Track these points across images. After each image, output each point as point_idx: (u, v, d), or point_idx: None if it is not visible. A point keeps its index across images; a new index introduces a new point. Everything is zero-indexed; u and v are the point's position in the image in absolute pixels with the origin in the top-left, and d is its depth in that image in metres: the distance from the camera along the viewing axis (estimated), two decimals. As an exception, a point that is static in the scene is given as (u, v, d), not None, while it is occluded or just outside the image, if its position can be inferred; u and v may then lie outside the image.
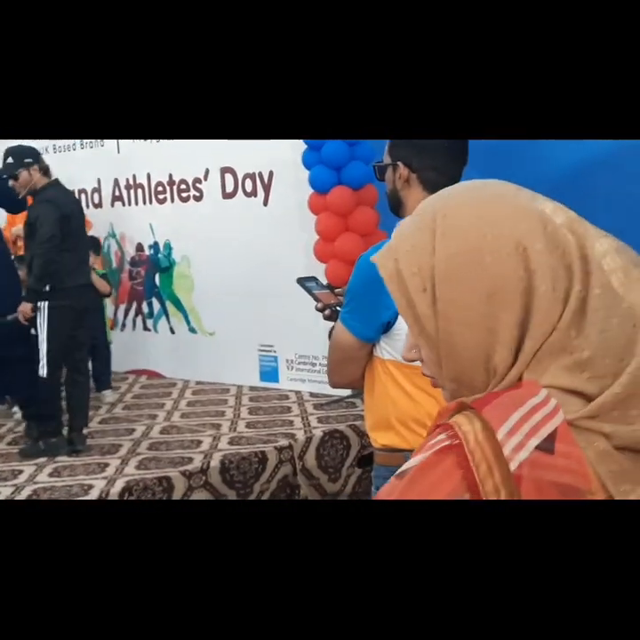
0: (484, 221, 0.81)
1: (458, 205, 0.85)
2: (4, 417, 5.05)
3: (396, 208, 1.92)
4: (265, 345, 5.49)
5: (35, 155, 4.36)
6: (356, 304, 1.84)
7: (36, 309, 4.21)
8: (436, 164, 1.83)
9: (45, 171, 4.37)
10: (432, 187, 1.84)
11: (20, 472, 3.98)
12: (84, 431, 4.34)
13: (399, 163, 1.86)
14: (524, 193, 0.85)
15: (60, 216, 4.19)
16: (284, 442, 4.20)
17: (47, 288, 4.17)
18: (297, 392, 5.26)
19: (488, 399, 0.80)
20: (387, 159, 1.90)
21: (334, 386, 2.02)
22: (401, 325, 1.77)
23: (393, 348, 1.80)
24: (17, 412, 4.99)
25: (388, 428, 1.82)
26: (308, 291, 2.16)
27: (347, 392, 4.91)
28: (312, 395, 5.17)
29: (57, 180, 4.42)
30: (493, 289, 0.80)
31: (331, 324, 5.01)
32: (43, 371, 4.15)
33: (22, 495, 3.62)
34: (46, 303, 4.16)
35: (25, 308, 4.20)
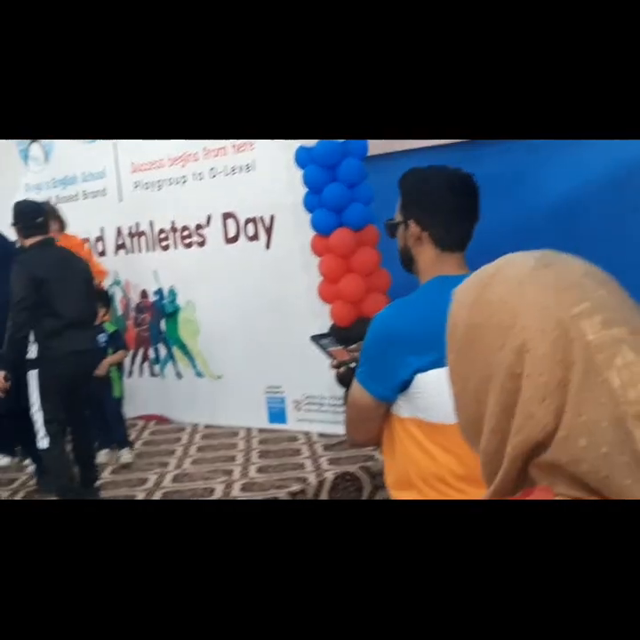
0: (507, 307, 0.81)
1: (497, 280, 0.84)
2: (15, 470, 5.05)
3: (409, 265, 1.95)
4: (272, 386, 5.51)
5: (19, 215, 4.24)
6: (372, 363, 1.86)
7: (8, 378, 3.98)
8: (446, 222, 1.86)
9: (27, 231, 4.17)
10: (442, 244, 1.88)
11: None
12: (96, 484, 4.27)
13: (410, 221, 1.90)
14: (575, 283, 0.81)
15: (31, 279, 3.95)
16: (296, 487, 4.20)
17: (33, 356, 3.97)
18: (306, 433, 5.27)
19: None
20: (398, 217, 1.94)
21: (353, 444, 2.04)
22: (419, 384, 1.79)
23: (411, 405, 1.82)
24: (30, 465, 4.99)
25: (410, 486, 1.83)
26: (322, 348, 2.18)
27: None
28: (321, 435, 5.18)
29: (41, 241, 4.17)
30: (487, 373, 0.81)
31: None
32: (43, 442, 3.97)
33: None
34: (35, 372, 3.98)
35: None
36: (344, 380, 2.12)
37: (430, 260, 1.89)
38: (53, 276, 4.03)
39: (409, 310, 1.86)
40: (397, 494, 1.87)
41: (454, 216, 1.87)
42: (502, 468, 0.81)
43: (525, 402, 0.78)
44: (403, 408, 1.84)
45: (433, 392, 1.78)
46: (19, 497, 4.58)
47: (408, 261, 1.95)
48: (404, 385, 1.80)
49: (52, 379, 3.95)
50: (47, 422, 3.95)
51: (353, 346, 2.13)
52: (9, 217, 6.63)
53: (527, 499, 0.79)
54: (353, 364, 2.04)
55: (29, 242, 4.16)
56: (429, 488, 1.80)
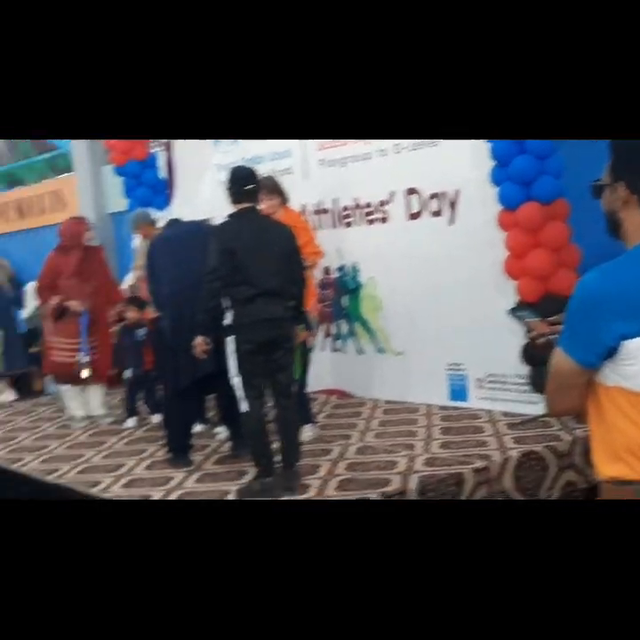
0: None
1: None
2: (207, 437, 5.31)
3: (615, 230, 1.87)
4: (454, 364, 5.47)
5: (231, 180, 4.27)
6: (576, 328, 1.80)
7: (207, 343, 4.21)
8: None
9: (236, 197, 4.25)
10: None
11: (227, 493, 4.18)
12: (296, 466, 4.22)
13: (619, 183, 1.81)
14: None
15: (223, 249, 4.08)
16: (480, 463, 4.16)
17: (228, 322, 4.11)
18: (488, 411, 5.20)
19: None
20: (606, 179, 1.85)
21: (554, 415, 2.01)
22: (626, 351, 1.72)
23: (618, 373, 1.75)
24: (220, 432, 5.23)
25: (617, 458, 1.76)
26: (520, 320, 2.14)
27: (541, 411, 4.80)
28: (504, 414, 5.09)
29: (245, 209, 4.24)
30: None
31: (521, 341, 4.88)
32: (243, 405, 4.11)
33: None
34: (231, 338, 4.11)
35: (197, 342, 4.20)
36: (542, 352, 2.07)
37: (639, 226, 1.80)
38: (247, 245, 4.11)
39: (615, 274, 1.78)
40: (604, 468, 1.80)
41: None
42: None
43: None
44: (608, 376, 1.77)
45: None
46: (212, 461, 4.81)
47: (614, 226, 1.87)
48: (610, 351, 1.74)
49: (246, 345, 4.07)
50: (244, 387, 4.09)
51: (553, 318, 2.08)
52: (201, 194, 7.02)
53: None
54: (552, 337, 1.99)
55: (237, 207, 4.27)
56: (638, 461, 1.73)
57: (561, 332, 1.88)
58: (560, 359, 1.83)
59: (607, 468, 1.79)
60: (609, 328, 1.73)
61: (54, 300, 5.94)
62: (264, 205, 4.64)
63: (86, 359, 5.90)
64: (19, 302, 8.24)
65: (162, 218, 6.53)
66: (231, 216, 4.30)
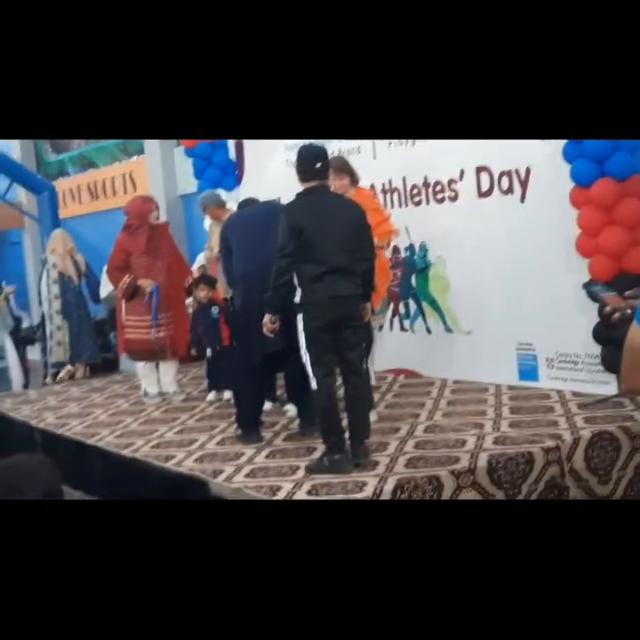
0: None
1: None
2: (276, 414, 5.38)
3: None
4: (523, 343, 5.42)
5: (299, 158, 4.29)
6: None
7: (274, 321, 4.25)
8: None
9: (305, 175, 4.26)
10: None
11: (295, 470, 4.24)
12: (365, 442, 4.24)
13: None
14: None
15: (292, 227, 4.10)
16: (550, 442, 4.13)
17: (297, 300, 4.15)
18: (558, 391, 5.15)
19: None
20: None
21: (630, 393, 1.98)
22: None
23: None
24: (289, 410, 5.30)
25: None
26: (594, 295, 2.13)
27: (613, 391, 4.73)
28: (575, 394, 5.03)
29: (313, 187, 4.26)
30: None
31: (593, 320, 4.80)
32: (313, 383, 4.13)
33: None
34: (301, 316, 4.14)
35: (265, 319, 4.27)
36: (616, 329, 2.05)
37: None
38: (316, 223, 4.11)
39: None
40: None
41: None
42: None
43: None
44: (687, 354, 1.75)
45: None
46: (281, 438, 4.88)
47: None
48: None
49: (314, 322, 4.10)
50: (313, 365, 4.12)
51: (629, 292, 2.06)
52: (270, 174, 7.07)
53: None
54: (628, 311, 1.97)
55: (305, 186, 4.28)
56: None
57: (637, 308, 1.85)
58: (636, 335, 1.81)
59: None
60: None
61: (125, 280, 6.06)
62: (333, 185, 4.65)
63: (157, 335, 6.02)
64: (95, 296, 8.31)
65: (231, 199, 6.61)
66: (300, 194, 4.31)
